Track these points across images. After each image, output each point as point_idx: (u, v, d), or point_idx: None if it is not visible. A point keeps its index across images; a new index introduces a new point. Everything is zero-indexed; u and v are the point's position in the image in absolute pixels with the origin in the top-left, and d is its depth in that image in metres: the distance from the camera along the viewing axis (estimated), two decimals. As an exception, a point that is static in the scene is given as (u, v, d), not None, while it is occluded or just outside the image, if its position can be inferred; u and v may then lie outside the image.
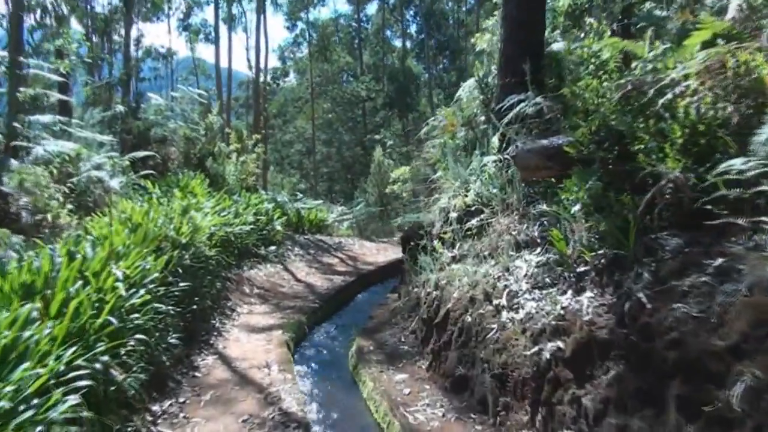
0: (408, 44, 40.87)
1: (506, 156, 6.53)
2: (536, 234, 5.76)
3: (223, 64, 24.63)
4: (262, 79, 25.93)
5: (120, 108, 13.55)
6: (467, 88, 9.82)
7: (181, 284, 6.76)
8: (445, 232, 7.34)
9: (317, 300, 9.71)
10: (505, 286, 5.40)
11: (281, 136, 38.96)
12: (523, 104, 6.72)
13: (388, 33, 42.74)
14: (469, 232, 6.84)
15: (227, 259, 9.61)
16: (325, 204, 19.31)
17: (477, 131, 8.39)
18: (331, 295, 10.18)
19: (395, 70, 38.54)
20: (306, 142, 36.16)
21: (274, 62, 41.37)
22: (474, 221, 6.73)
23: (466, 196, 7.19)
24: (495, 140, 7.13)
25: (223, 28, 31.30)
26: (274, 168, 31.89)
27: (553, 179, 5.82)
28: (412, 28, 42.18)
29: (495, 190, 6.69)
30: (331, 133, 35.38)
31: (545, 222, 5.72)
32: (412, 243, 8.98)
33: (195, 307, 7.06)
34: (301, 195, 18.81)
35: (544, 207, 5.63)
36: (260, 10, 25.03)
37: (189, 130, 12.93)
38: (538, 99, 6.66)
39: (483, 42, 11.03)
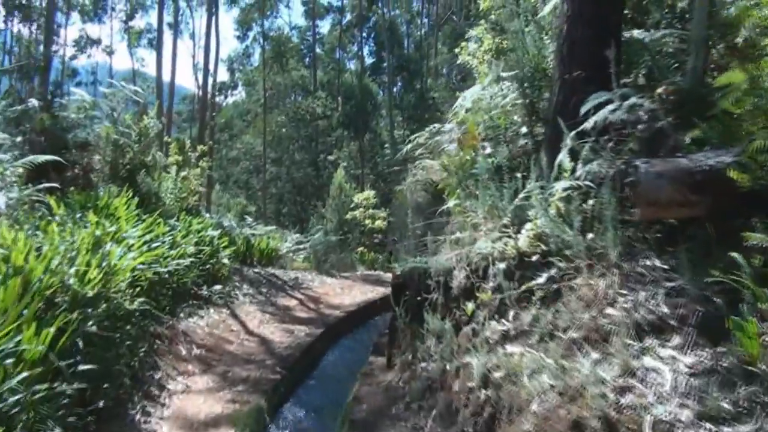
0: (365, 62, 38.88)
1: (584, 183, 4.33)
2: (666, 311, 3.50)
3: (166, 77, 21.96)
4: (211, 82, 23.27)
5: (33, 102, 10.79)
6: (486, 93, 7.72)
7: (83, 366, 4.27)
8: (478, 289, 5.05)
9: (278, 366, 7.24)
10: (644, 408, 3.08)
11: (227, 153, 36.20)
12: (611, 106, 4.50)
13: (342, 53, 40.78)
14: (528, 295, 4.54)
15: (157, 307, 7.11)
16: (278, 231, 16.87)
17: (514, 147, 6.15)
18: (295, 357, 7.72)
19: (352, 87, 36.45)
20: (254, 160, 33.53)
21: (222, 74, 38.89)
22: (540, 279, 4.43)
23: (517, 238, 4.89)
24: (564, 159, 4.86)
25: (168, 35, 28.68)
26: (219, 187, 29.09)
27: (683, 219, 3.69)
28: (365, 49, 40.32)
29: (571, 233, 4.40)
30: (281, 152, 32.77)
31: (678, 291, 3.50)
32: (409, 294, 6.73)
33: (101, 403, 4.53)
34: (250, 219, 16.32)
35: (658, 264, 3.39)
36: (212, 5, 22.37)
37: (118, 134, 10.28)
38: (636, 99, 4.44)
39: (465, 53, 9.50)
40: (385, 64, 38.02)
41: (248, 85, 37.67)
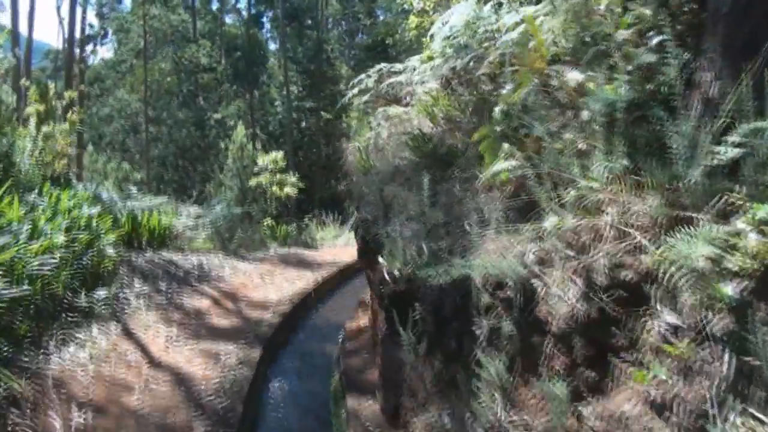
0: (252, 11, 35.16)
1: None
2: None
3: (23, 28, 17.73)
4: (79, 29, 19.37)
5: None
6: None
7: None
8: (644, 330, 2.67)
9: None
10: None
11: (98, 110, 31.75)
12: None
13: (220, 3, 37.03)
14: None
15: (9, 340, 4.32)
16: (170, 203, 13.75)
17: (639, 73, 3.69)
18: (230, 409, 5.06)
19: (236, 38, 32.90)
20: (130, 118, 29.48)
21: (91, 20, 34.25)
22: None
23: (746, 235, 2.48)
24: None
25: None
26: (91, 149, 24.89)
27: None
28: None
29: None
30: (161, 109, 28.79)
31: None
32: (423, 313, 4.42)
33: None
34: (133, 189, 13.17)
35: None
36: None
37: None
38: None
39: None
40: (269, 13, 34.68)
41: (121, 32, 33.05)
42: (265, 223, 15.29)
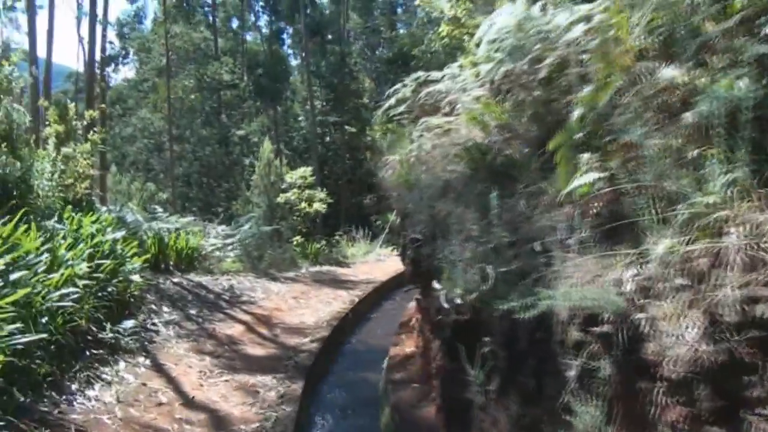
0: (273, 27, 34.90)
1: None
2: None
3: (41, 51, 17.34)
4: (99, 48, 19.08)
5: None
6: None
7: None
8: None
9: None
10: None
11: (121, 130, 31.58)
12: None
13: (240, 21, 36.71)
14: None
15: (27, 385, 3.86)
16: (197, 222, 13.34)
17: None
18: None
19: (258, 54, 32.64)
20: (153, 137, 29.24)
21: (112, 39, 34.15)
22: None
23: None
24: None
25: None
26: (115, 169, 24.54)
27: None
28: (263, 19, 36.38)
29: None
30: (184, 127, 28.51)
31: None
32: (493, 346, 3.97)
33: None
34: (159, 209, 12.76)
35: None
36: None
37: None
38: None
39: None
40: (289, 30, 34.44)
41: (142, 51, 32.89)
42: (294, 241, 14.82)
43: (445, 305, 4.49)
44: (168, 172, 26.76)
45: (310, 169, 15.83)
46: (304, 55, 30.78)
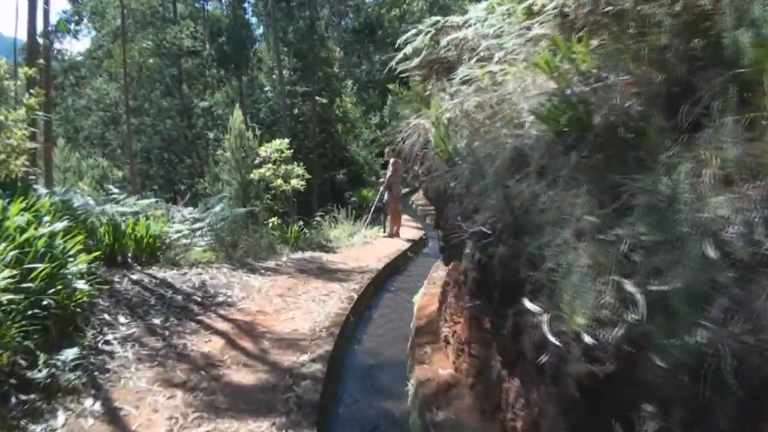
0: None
1: None
2: None
3: None
4: (41, 9, 16.84)
5: None
6: None
7: None
8: None
9: None
10: None
11: (74, 102, 29.12)
12: None
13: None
14: None
15: None
16: (159, 204, 11.52)
17: None
18: None
19: (221, 20, 30.49)
20: (109, 109, 26.93)
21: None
22: None
23: None
24: None
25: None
26: (65, 143, 22.08)
27: None
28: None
29: None
30: (143, 98, 26.24)
31: None
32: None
33: None
34: (114, 189, 10.94)
35: None
36: None
37: None
38: None
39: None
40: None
41: (96, 14, 30.31)
42: (270, 223, 13.11)
43: (555, 340, 2.89)
44: (125, 148, 24.62)
45: (286, 141, 14.04)
46: (269, 20, 28.67)
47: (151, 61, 22.49)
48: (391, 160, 14.45)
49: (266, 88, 31.37)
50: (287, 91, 28.19)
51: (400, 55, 7.02)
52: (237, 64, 27.21)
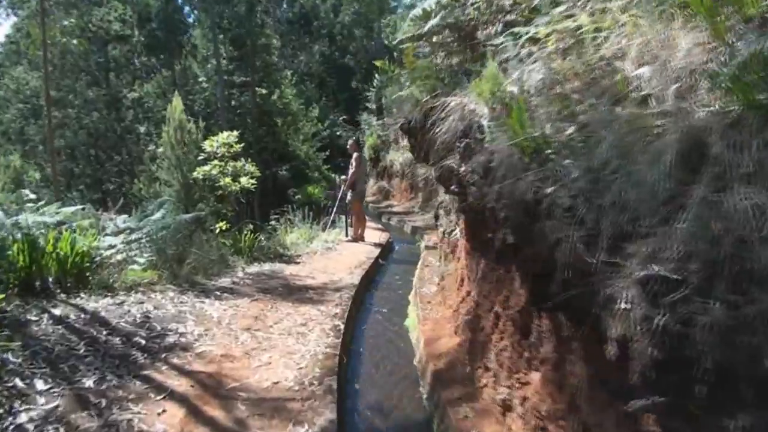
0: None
1: None
2: None
3: None
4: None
5: None
6: None
7: None
8: None
9: None
10: None
11: (-11, 93, 26.25)
12: None
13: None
14: None
15: None
16: (87, 212, 9.54)
17: None
18: None
19: (154, 5, 28.13)
20: (29, 100, 24.23)
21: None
22: None
23: None
24: None
25: None
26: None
27: None
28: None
29: None
30: (68, 89, 23.61)
31: None
32: None
33: None
34: (31, 195, 8.98)
35: None
36: None
37: None
38: None
39: None
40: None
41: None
42: (218, 229, 11.31)
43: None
44: (47, 144, 22.13)
45: (235, 133, 12.20)
46: (204, 4, 26.51)
47: (75, 42, 20.03)
48: (354, 154, 12.85)
49: (201, 78, 29.18)
50: (224, 81, 26.16)
51: (406, 24, 5.48)
52: (170, 52, 25.00)
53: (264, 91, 28.08)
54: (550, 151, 3.12)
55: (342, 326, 6.75)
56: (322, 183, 29.22)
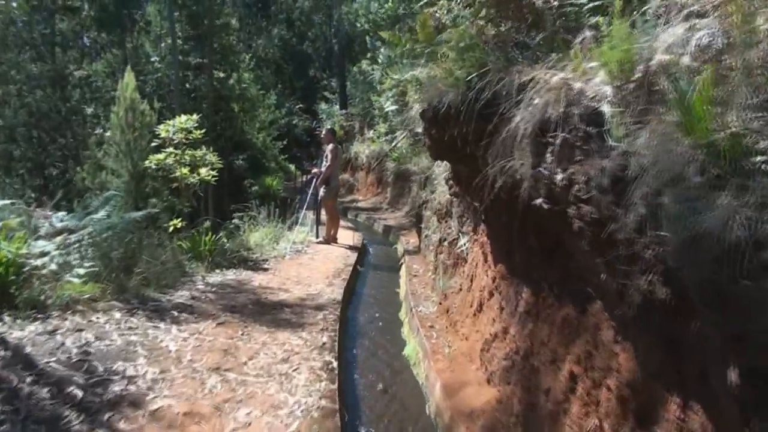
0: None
1: None
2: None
3: None
4: None
5: None
6: None
7: None
8: None
9: None
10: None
11: None
12: None
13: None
14: None
15: None
16: (17, 207, 7.89)
17: None
18: None
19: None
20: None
21: None
22: None
23: None
24: None
25: None
26: None
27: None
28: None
29: None
30: (8, 64, 21.43)
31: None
32: None
33: None
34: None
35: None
36: None
37: None
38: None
39: None
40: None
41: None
42: (171, 227, 9.79)
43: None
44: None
45: (195, 117, 10.68)
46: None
47: (14, 4, 18.13)
48: (330, 146, 11.46)
49: (153, 58, 27.26)
50: (179, 61, 24.37)
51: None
52: (121, 28, 23.13)
53: (222, 75, 26.38)
54: (763, 158, 1.88)
55: (335, 364, 5.42)
56: (279, 174, 27.72)
